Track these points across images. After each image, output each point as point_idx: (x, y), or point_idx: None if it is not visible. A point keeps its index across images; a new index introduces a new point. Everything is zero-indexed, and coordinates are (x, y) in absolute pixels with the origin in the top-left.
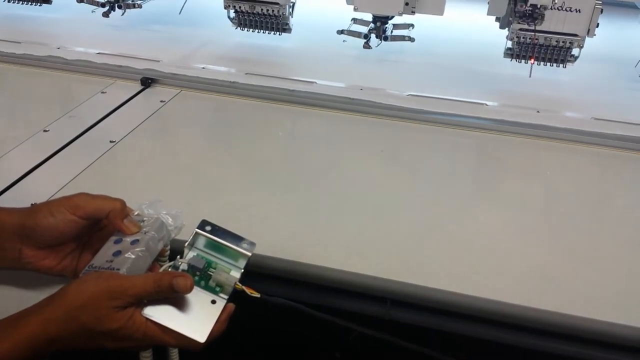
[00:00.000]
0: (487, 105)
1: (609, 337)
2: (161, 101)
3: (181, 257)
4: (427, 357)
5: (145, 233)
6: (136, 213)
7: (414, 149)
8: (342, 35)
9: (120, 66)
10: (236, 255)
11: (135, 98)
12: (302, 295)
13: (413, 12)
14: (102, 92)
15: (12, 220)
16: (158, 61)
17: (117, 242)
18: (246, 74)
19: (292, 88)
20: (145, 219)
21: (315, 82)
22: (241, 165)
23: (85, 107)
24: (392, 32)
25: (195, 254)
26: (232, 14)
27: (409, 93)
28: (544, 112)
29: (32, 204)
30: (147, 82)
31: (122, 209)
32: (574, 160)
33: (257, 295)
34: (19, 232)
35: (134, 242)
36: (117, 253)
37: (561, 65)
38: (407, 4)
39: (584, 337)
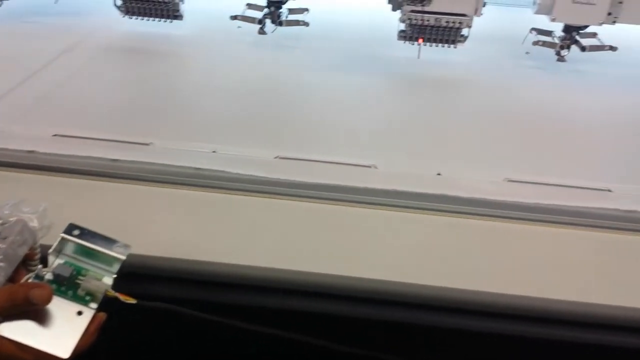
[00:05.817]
0: (376, 168)
1: None
2: None
3: (45, 266)
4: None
5: (4, 239)
6: None
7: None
8: (236, 21)
9: None
10: (109, 260)
11: None
12: (197, 293)
13: (614, 22)
14: None
15: None
16: None
17: None
18: (54, 135)
19: (114, 157)
20: (3, 222)
21: (152, 144)
22: None
23: None
24: (287, 16)
25: (62, 262)
26: (119, 1)
27: (277, 155)
28: (445, 176)
29: None
30: None
31: None
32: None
33: (134, 301)
34: None
35: None
36: None
37: (452, 45)
38: (609, 13)
39: None
